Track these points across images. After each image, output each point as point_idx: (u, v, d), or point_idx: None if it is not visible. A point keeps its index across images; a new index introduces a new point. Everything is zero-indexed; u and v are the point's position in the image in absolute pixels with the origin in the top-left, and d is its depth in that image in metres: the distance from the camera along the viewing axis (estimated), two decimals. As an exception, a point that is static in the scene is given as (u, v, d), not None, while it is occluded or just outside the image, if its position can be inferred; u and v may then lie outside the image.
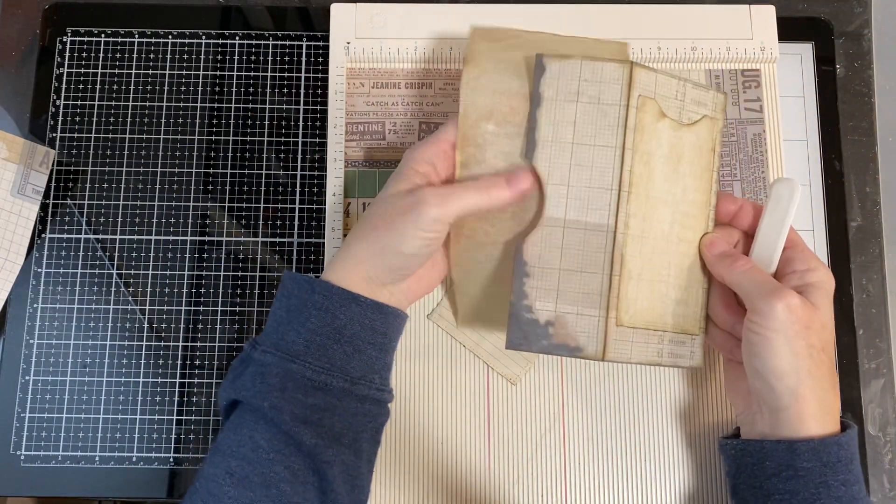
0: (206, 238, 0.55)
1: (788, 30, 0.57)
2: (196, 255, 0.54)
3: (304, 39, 0.58)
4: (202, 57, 0.57)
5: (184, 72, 0.57)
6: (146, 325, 0.53)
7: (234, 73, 0.57)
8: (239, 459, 0.40)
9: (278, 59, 0.57)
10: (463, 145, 0.46)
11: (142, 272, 0.54)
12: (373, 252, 0.43)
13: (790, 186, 0.46)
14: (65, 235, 0.55)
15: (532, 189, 0.45)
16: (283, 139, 0.56)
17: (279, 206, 0.55)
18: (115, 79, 0.57)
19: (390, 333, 0.44)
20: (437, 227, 0.43)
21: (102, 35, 0.58)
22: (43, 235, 0.54)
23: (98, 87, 0.57)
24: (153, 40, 0.57)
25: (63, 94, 0.56)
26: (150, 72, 0.57)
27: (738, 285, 0.44)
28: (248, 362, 0.42)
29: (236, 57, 0.57)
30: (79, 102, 0.56)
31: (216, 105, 0.57)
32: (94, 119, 0.56)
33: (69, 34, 0.57)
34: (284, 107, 0.57)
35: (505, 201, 0.44)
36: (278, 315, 0.43)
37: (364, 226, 0.44)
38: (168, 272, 0.54)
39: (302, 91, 0.57)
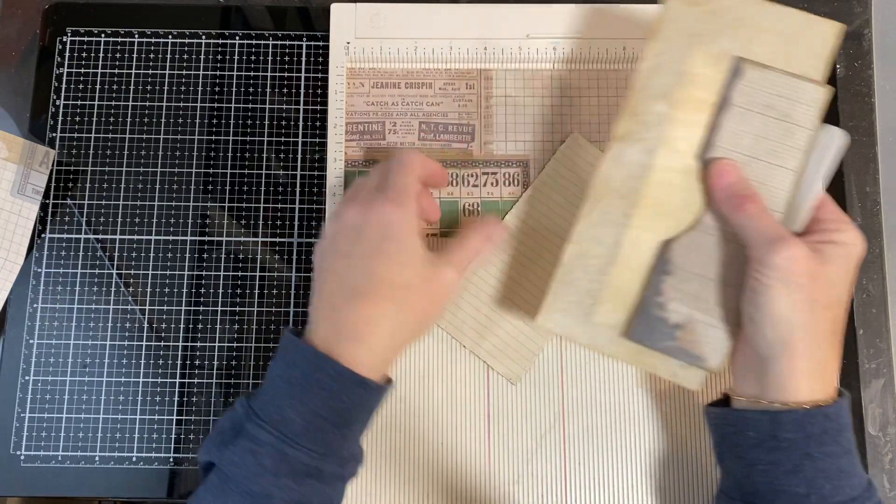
0: (206, 238, 0.55)
1: (788, 30, 0.57)
2: (196, 255, 0.54)
3: (304, 39, 0.58)
4: (202, 57, 0.57)
5: (184, 72, 0.57)
6: (146, 325, 0.53)
7: (234, 73, 0.57)
8: None
9: (278, 59, 0.57)
10: (630, 118, 0.45)
11: (142, 272, 0.54)
12: (406, 335, 0.43)
13: (829, 134, 0.44)
14: (65, 235, 0.55)
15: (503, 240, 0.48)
16: (283, 139, 0.56)
17: (279, 206, 0.55)
18: (115, 79, 0.57)
19: (379, 408, 0.44)
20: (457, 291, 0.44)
21: (102, 35, 0.58)
22: (43, 235, 0.54)
23: (98, 87, 0.57)
24: (153, 40, 0.57)
25: (63, 94, 0.56)
26: (150, 72, 0.57)
27: (741, 228, 0.42)
28: (239, 431, 0.40)
29: (236, 57, 0.57)
30: (79, 102, 0.56)
31: (216, 105, 0.57)
32: (94, 119, 0.56)
33: (69, 34, 0.57)
34: (284, 107, 0.57)
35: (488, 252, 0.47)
36: (277, 384, 0.41)
37: (396, 301, 0.42)
38: (168, 272, 0.54)
39: (302, 91, 0.57)
